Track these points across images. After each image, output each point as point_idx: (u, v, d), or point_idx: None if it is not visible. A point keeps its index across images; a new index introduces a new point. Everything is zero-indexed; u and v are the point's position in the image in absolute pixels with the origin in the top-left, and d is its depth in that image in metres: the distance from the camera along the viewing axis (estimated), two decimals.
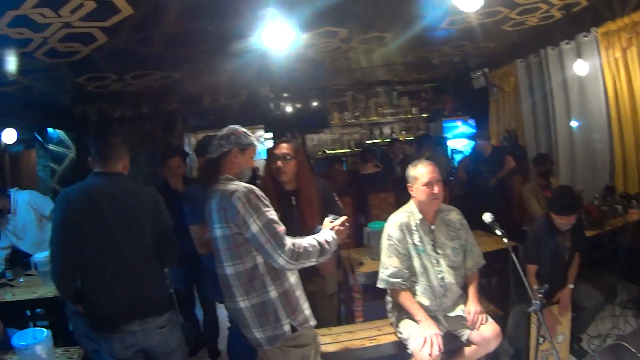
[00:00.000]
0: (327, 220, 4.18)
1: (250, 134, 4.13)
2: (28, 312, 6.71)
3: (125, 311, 4.00)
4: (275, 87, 12.61)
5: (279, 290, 3.79)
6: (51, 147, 12.68)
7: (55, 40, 6.03)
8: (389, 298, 5.25)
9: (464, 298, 5.08)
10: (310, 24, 6.52)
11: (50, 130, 12.51)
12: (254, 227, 3.65)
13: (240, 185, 3.78)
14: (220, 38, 6.82)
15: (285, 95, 13.58)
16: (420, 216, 4.94)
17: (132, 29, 5.96)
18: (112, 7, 5.20)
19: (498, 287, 7.05)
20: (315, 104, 13.91)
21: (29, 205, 7.14)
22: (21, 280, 6.82)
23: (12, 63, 6.94)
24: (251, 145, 4.10)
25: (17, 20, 5.25)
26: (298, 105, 13.84)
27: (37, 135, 12.62)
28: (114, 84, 9.05)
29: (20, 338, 3.19)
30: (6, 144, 9.76)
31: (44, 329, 3.26)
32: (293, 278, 3.95)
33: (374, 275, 5.21)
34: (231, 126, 4.09)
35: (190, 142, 14.33)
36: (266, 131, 14.17)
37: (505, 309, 5.82)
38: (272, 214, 3.77)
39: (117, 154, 4.22)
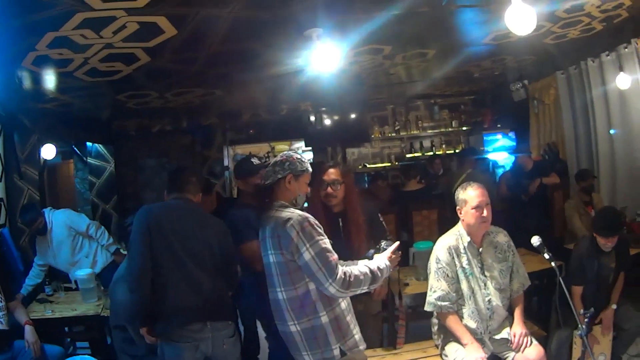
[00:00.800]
0: (380, 246, 4.22)
1: (305, 160, 4.15)
2: (66, 329, 6.74)
3: (198, 314, 4.22)
4: (316, 101, 12.49)
5: (330, 316, 3.81)
6: (90, 160, 12.76)
7: (97, 60, 6.05)
8: (434, 320, 5.23)
9: (509, 320, 5.03)
10: (355, 42, 6.48)
11: (88, 144, 12.59)
12: (307, 255, 3.68)
13: (295, 213, 3.83)
14: (265, 57, 6.82)
15: (326, 109, 13.50)
16: (469, 239, 4.91)
17: (176, 49, 5.97)
18: (155, 29, 5.20)
19: (539, 307, 6.96)
20: (355, 118, 13.83)
21: (64, 225, 7.23)
22: (62, 295, 6.86)
23: (51, 82, 7.01)
24: (306, 172, 4.13)
25: (57, 41, 5.29)
26: (338, 120, 13.78)
27: (75, 149, 12.69)
28: (154, 100, 9.11)
29: None
30: (45, 160, 9.78)
31: (92, 358, 3.23)
32: (344, 303, 3.97)
33: (420, 296, 5.24)
34: (286, 152, 4.14)
35: (229, 155, 14.36)
36: (307, 145, 14.13)
37: (547, 329, 5.79)
38: (326, 242, 3.79)
39: (193, 189, 4.63)
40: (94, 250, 7.39)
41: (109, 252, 7.48)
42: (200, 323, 4.25)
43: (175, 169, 4.79)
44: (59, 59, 5.88)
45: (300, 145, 17.03)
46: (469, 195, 4.83)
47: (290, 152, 4.15)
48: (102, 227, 7.52)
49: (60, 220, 7.23)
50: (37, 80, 6.79)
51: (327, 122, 13.78)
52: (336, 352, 3.81)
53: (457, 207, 4.96)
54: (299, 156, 4.12)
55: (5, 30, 4.93)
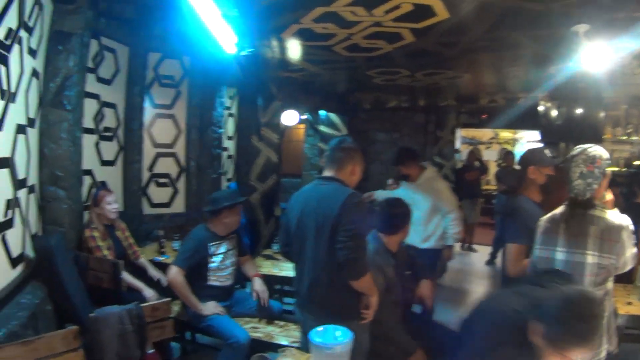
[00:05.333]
0: None
1: (600, 152, 3.77)
2: (278, 287, 6.98)
3: (301, 305, 4.23)
4: (554, 93, 12.14)
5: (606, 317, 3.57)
6: (321, 127, 13.10)
7: (360, 37, 6.12)
8: None
9: None
10: (619, 41, 6.04)
11: (321, 112, 12.94)
12: (630, 260, 3.59)
13: (622, 219, 3.64)
14: (524, 48, 6.63)
15: (562, 103, 13.08)
16: None
17: (442, 32, 5.92)
18: (428, 11, 5.16)
19: None
20: (589, 115, 13.15)
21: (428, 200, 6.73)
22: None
23: (306, 53, 7.22)
24: (608, 165, 3.78)
25: (325, 16, 5.38)
26: (573, 115, 13.19)
27: (308, 115, 13.07)
28: (402, 78, 9.11)
29: (319, 335, 3.23)
30: (286, 126, 10.12)
31: (347, 330, 3.29)
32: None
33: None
34: (586, 155, 3.71)
35: (460, 137, 14.29)
36: (542, 138, 13.80)
37: None
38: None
39: (339, 158, 4.12)
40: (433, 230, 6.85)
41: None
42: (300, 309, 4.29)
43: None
44: (322, 33, 6.01)
45: (523, 135, 16.69)
46: None
47: (590, 153, 3.69)
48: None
49: (431, 187, 6.78)
50: (291, 50, 7.02)
51: (562, 116, 13.23)
52: (603, 353, 3.58)
53: None
54: (598, 153, 3.69)
55: (275, 3, 5.15)
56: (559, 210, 3.84)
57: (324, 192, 3.99)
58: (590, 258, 3.57)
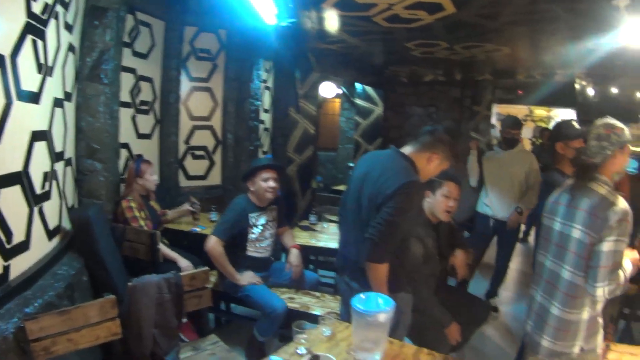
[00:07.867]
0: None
1: (624, 127, 3.61)
2: (313, 257, 7.10)
3: (344, 270, 4.16)
4: (591, 71, 11.86)
5: (590, 314, 3.49)
6: (357, 101, 13.09)
7: (401, 7, 5.99)
8: None
9: None
10: None
11: (357, 85, 12.91)
12: (605, 246, 3.30)
13: (619, 199, 3.37)
14: (564, 21, 6.42)
15: (598, 80, 12.84)
16: None
17: (483, 3, 5.76)
18: None
19: None
20: (626, 94, 12.86)
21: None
22: (325, 225, 7.16)
23: (346, 24, 7.12)
24: (628, 142, 3.58)
25: None
26: (609, 93, 12.91)
27: (343, 89, 13.03)
28: (441, 51, 8.97)
29: (361, 302, 3.20)
30: (324, 98, 10.12)
31: (390, 299, 3.25)
32: (602, 304, 3.58)
33: None
34: (608, 121, 3.57)
35: (496, 113, 14.14)
36: (578, 116, 13.58)
37: None
38: (624, 245, 3.38)
39: (422, 140, 3.96)
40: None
41: None
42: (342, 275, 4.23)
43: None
44: (363, 3, 5.89)
45: (558, 113, 16.52)
46: None
47: (611, 120, 3.55)
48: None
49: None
50: (331, 21, 6.95)
51: (598, 94, 12.96)
52: (575, 349, 3.53)
53: None
54: (621, 124, 3.75)
55: None
56: (569, 181, 3.78)
57: (390, 166, 3.84)
58: (576, 233, 3.47)
